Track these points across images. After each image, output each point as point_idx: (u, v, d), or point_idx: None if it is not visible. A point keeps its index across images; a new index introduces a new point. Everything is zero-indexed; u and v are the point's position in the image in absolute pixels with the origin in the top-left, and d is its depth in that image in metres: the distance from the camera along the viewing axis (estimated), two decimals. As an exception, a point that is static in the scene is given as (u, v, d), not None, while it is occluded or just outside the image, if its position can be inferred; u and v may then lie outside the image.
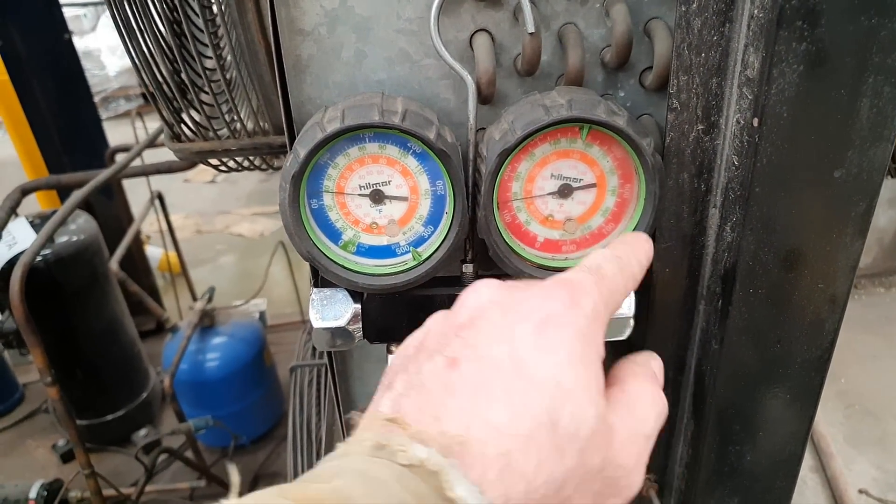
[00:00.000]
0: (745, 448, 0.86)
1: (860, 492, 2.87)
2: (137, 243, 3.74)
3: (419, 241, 0.74)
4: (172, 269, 4.27)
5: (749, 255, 0.71)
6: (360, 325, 0.76)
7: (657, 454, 0.93)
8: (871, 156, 0.66)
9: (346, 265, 0.73)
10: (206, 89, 0.98)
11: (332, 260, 0.73)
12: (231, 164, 1.15)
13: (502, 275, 0.73)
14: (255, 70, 0.99)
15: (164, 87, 0.98)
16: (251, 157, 1.16)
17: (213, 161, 1.07)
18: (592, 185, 0.69)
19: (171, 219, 3.61)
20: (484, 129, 0.74)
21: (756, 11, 0.61)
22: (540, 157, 0.68)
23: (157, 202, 3.37)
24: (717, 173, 0.71)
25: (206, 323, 2.96)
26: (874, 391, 3.36)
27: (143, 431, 3.18)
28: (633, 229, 0.70)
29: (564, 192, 0.69)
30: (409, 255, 0.74)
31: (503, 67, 0.74)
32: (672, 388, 0.87)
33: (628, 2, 0.70)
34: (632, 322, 0.75)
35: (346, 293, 0.76)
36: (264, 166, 1.25)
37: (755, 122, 0.64)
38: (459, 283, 0.76)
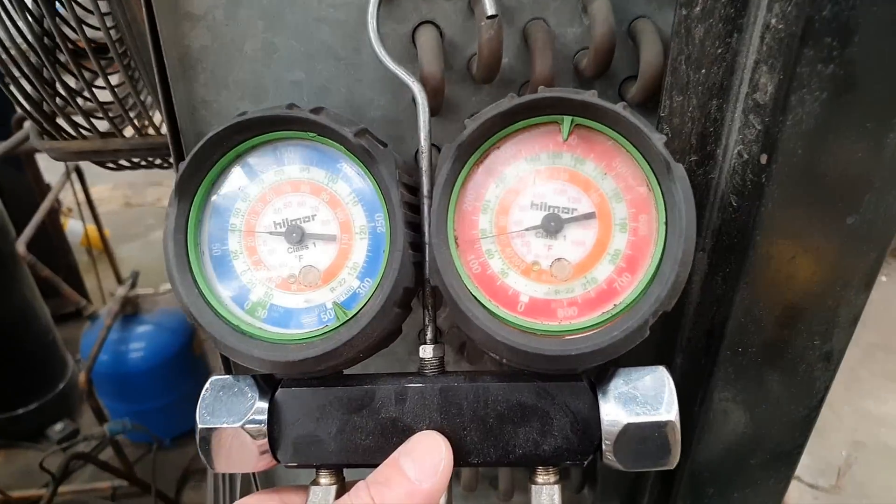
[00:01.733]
0: (719, 510, 0.76)
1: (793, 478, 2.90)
2: (54, 218, 3.44)
3: (352, 300, 0.55)
4: (93, 245, 3.98)
5: (742, 312, 0.59)
6: (265, 428, 0.54)
7: (618, 512, 0.83)
8: (888, 201, 0.54)
9: (247, 331, 0.54)
10: (77, 75, 0.80)
11: (233, 326, 0.54)
12: (125, 163, 0.97)
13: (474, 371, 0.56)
14: (145, 56, 0.81)
15: (24, 67, 0.79)
16: (152, 158, 0.99)
17: (102, 161, 0.90)
18: (590, 216, 0.52)
19: (96, 190, 3.34)
20: (437, 148, 0.59)
21: (774, 21, 0.48)
22: (514, 179, 0.53)
23: (74, 174, 3.09)
24: (708, 212, 0.59)
25: (129, 310, 2.74)
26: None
27: (59, 426, 2.94)
28: (651, 279, 0.50)
29: (552, 226, 0.52)
30: (335, 320, 0.55)
31: (454, 71, 0.60)
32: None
33: (610, -3, 0.57)
34: (677, 428, 0.53)
35: (253, 383, 0.56)
36: (166, 165, 1.07)
37: (763, 158, 0.52)
38: (418, 374, 0.57)
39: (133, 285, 2.79)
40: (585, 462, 0.54)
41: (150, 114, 0.91)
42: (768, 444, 0.71)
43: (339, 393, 0.55)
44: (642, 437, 0.52)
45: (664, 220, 0.51)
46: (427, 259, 0.54)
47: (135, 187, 5.36)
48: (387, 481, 0.51)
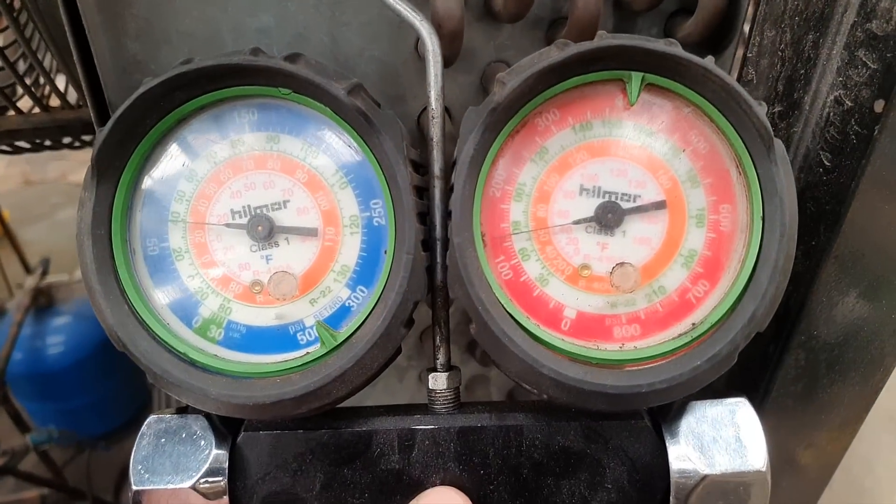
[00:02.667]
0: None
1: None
2: (-57, 204, 3.08)
3: (341, 316, 0.42)
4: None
5: (825, 290, 0.50)
6: (224, 485, 0.41)
7: None
8: None
9: (198, 360, 0.41)
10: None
11: (169, 349, 0.41)
12: (24, 144, 0.78)
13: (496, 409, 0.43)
14: (42, 4, 0.63)
15: None
16: (60, 138, 0.80)
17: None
18: (659, 205, 0.41)
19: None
20: (446, 109, 0.46)
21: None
22: (558, 155, 0.40)
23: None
24: (785, 173, 0.49)
25: (42, 302, 2.48)
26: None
27: (-28, 433, 2.66)
28: (743, 290, 0.39)
29: (608, 217, 0.40)
30: (319, 343, 0.42)
31: (468, 7, 0.46)
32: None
33: None
34: (768, 480, 0.42)
35: (206, 424, 0.42)
36: (77, 144, 0.88)
37: (879, 105, 0.41)
38: (426, 409, 0.44)
39: (44, 273, 2.53)
40: None
41: (53, 77, 0.73)
42: (825, 429, 0.63)
43: (324, 438, 0.42)
44: (723, 491, 0.41)
45: (761, 213, 0.39)
46: (440, 261, 0.42)
47: (34, 162, 4.89)
48: None
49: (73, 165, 4.89)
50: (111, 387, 2.62)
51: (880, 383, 0.61)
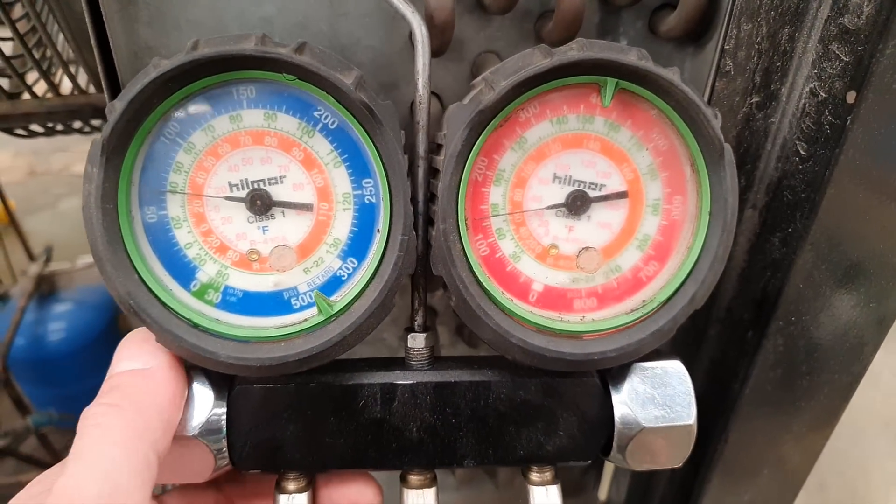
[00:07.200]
0: (741, 489, 0.70)
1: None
2: (-51, 192, 3.10)
3: (333, 285, 0.45)
4: (-1, 219, 3.62)
5: (801, 277, 0.52)
6: (222, 437, 0.45)
7: (634, 494, 0.76)
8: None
9: (202, 324, 0.43)
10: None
11: (176, 315, 0.43)
12: (37, 128, 0.80)
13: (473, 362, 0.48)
14: (63, 1, 0.64)
15: None
16: (71, 123, 0.82)
17: (10, 128, 0.73)
18: (621, 195, 0.44)
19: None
20: (437, 96, 0.48)
21: (879, -78, 0.39)
22: (535, 146, 0.43)
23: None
24: (763, 163, 0.50)
25: (45, 289, 2.49)
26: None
27: (-27, 418, 2.69)
28: (688, 275, 0.44)
29: (576, 204, 0.44)
30: (313, 308, 0.45)
31: (459, 1, 0.48)
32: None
33: None
34: (695, 430, 0.48)
35: (205, 382, 0.45)
36: (87, 129, 0.90)
37: (851, 96, 0.43)
38: (403, 364, 0.48)
39: (47, 261, 2.55)
40: (589, 461, 0.49)
41: (67, 63, 0.74)
42: (805, 417, 0.65)
43: (314, 391, 0.46)
44: (659, 440, 0.47)
45: (709, 208, 0.43)
46: (422, 234, 0.45)
47: (39, 154, 4.91)
48: None
49: (77, 157, 4.90)
50: (111, 374, 2.63)
51: (860, 372, 0.63)
